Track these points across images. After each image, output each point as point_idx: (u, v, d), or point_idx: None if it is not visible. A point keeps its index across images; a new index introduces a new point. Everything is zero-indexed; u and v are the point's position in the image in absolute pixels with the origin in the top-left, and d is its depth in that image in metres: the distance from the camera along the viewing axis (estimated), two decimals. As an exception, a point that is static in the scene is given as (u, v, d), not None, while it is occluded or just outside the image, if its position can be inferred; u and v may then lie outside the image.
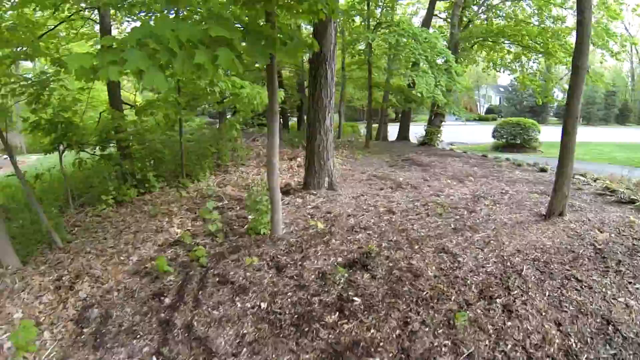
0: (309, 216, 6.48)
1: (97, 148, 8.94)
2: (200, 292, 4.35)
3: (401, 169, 10.26)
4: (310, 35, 9.14)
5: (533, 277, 4.05)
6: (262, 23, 4.69)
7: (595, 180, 8.69)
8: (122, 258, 5.37)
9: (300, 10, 4.90)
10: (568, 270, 4.13)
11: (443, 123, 16.89)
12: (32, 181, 7.72)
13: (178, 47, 3.17)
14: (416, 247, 4.95)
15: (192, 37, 3.29)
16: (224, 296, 4.24)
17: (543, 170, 10.29)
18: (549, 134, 21.56)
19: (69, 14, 11.32)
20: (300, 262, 4.79)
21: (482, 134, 23.84)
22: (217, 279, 4.59)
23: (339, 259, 4.81)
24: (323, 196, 7.41)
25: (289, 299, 4.06)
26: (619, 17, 17.72)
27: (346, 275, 4.39)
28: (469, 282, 4.05)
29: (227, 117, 15.56)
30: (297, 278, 4.45)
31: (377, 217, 6.18)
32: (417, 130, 19.47)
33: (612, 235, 5.00)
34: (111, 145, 9.63)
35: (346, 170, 10.26)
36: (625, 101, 43.34)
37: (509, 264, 4.34)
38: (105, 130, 8.94)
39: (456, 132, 22.69)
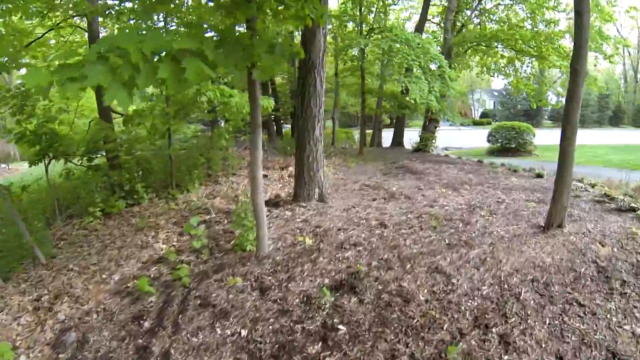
0: (298, 231, 6.16)
1: (84, 159, 8.60)
2: (180, 316, 4.07)
3: (395, 178, 9.94)
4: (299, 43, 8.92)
5: (532, 301, 3.73)
6: (242, 30, 4.40)
7: (592, 186, 8.40)
8: (104, 276, 5.15)
9: (287, 16, 4.66)
10: (569, 293, 3.81)
11: (437, 128, 16.57)
12: (19, 192, 7.43)
13: (142, 60, 2.86)
14: (408, 266, 4.62)
15: (157, 50, 2.98)
16: (204, 321, 3.96)
17: (539, 175, 9.98)
18: (544, 137, 21.37)
19: (56, 22, 11.06)
20: (285, 284, 4.49)
21: (476, 138, 23.63)
22: (199, 302, 4.32)
23: (326, 280, 4.49)
24: (313, 209, 7.09)
25: (270, 326, 3.76)
26: (612, 20, 17.56)
27: (332, 299, 4.07)
28: (463, 307, 3.73)
29: (220, 125, 15.30)
30: (281, 302, 4.15)
31: (368, 231, 5.86)
32: (411, 136, 19.19)
33: (615, 249, 4.68)
34: (99, 155, 9.32)
35: (339, 180, 9.94)
36: (618, 103, 43.24)
37: (506, 285, 4.01)
38: (92, 140, 8.64)
39: (451, 137, 22.43)
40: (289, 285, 4.46)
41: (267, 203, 7.67)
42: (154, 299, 4.39)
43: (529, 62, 18.75)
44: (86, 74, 2.76)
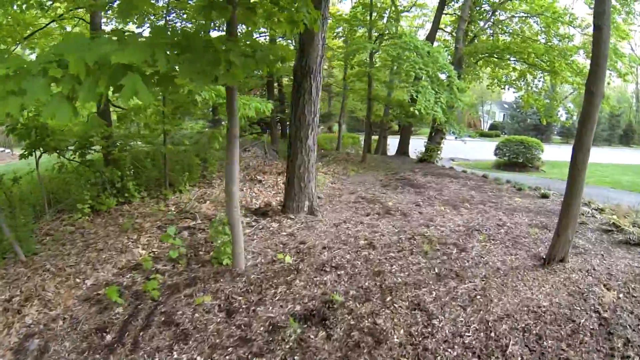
0: (281, 246, 5.71)
1: (77, 154, 8.24)
2: (142, 333, 3.71)
3: (394, 191, 9.42)
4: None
5: (520, 358, 3.18)
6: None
7: (600, 211, 7.86)
8: (78, 280, 4.81)
9: (282, 19, 4.26)
10: (564, 350, 3.25)
11: (444, 140, 15.99)
12: (9, 184, 7.11)
13: (85, 72, 2.43)
14: (388, 298, 4.12)
15: (100, 60, 2.53)
16: (164, 341, 3.58)
17: (545, 196, 9.42)
18: (553, 153, 20.74)
19: (59, 14, 10.74)
20: (254, 307, 4.06)
21: (484, 151, 23.00)
22: (163, 318, 3.93)
23: (297, 307, 4.02)
24: (301, 222, 6.61)
25: (227, 356, 3.34)
26: (627, 38, 16.89)
27: (299, 331, 3.59)
28: (439, 358, 3.20)
29: (223, 124, 14.86)
30: (245, 328, 3.72)
31: (355, 251, 5.37)
32: (418, 144, 18.65)
33: (621, 295, 4.13)
34: (92, 151, 8.95)
35: (335, 190, 9.45)
36: (629, 122, 42.17)
37: (493, 334, 3.47)
38: (85, 136, 8.27)
39: (458, 148, 21.69)
40: (258, 309, 4.01)
41: (255, 212, 7.24)
42: (121, 311, 4.07)
43: (540, 77, 18.12)
44: (25, 88, 2.40)
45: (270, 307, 4.04)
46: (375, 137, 21.64)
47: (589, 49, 16.24)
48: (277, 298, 4.22)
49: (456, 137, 13.37)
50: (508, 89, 19.80)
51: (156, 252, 5.74)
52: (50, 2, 10.00)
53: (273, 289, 4.42)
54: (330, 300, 4.06)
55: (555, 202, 8.84)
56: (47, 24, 10.94)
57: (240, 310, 4.01)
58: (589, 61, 16.73)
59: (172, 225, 5.78)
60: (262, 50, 3.95)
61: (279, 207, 7.38)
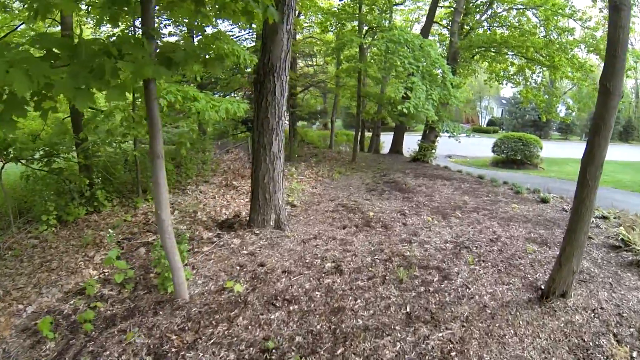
0: (237, 268, 4.84)
1: (44, 162, 7.70)
2: None
3: (379, 196, 8.45)
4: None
5: None
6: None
7: (604, 219, 6.94)
8: (20, 307, 4.26)
9: (236, 10, 3.54)
10: None
11: (438, 138, 14.96)
12: None
13: None
14: (340, 350, 3.20)
15: None
16: None
17: (544, 200, 8.49)
18: (551, 149, 19.78)
19: (27, 15, 9.86)
20: (184, 352, 3.30)
21: (482, 147, 21.97)
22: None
23: (231, 356, 3.14)
24: (266, 238, 5.69)
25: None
26: (631, 31, 15.79)
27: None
28: None
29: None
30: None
31: (317, 278, 4.44)
32: (414, 141, 17.67)
33: (635, 354, 3.16)
34: (61, 159, 8.23)
35: (315, 196, 8.49)
36: (629, 118, 40.91)
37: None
38: (51, 143, 7.57)
39: (455, 144, 20.42)
40: (187, 355, 3.25)
41: (221, 225, 6.37)
42: (53, 346, 3.52)
43: (539, 72, 17.06)
44: None
45: (202, 354, 3.25)
46: (369, 135, 20.67)
47: (591, 42, 15.27)
48: (212, 341, 3.42)
49: (450, 136, 12.34)
50: (506, 83, 18.78)
51: (107, 273, 5.05)
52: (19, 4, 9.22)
53: (212, 327, 3.62)
54: (268, 349, 3.18)
55: (555, 207, 7.90)
56: (18, 26, 10.15)
57: (169, 355, 3.26)
58: (591, 56, 15.64)
59: (113, 249, 4.91)
60: (185, 52, 3.06)
61: (247, 218, 6.45)
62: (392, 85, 15.96)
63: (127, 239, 6.28)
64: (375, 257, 5.00)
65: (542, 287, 4.18)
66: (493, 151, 19.92)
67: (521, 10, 16.13)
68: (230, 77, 14.24)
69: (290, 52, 5.57)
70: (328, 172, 11.22)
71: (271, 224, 5.84)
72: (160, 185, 3.63)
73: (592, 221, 6.81)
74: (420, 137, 15.42)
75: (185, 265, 5.01)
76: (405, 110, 9.17)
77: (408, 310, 3.74)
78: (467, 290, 4.14)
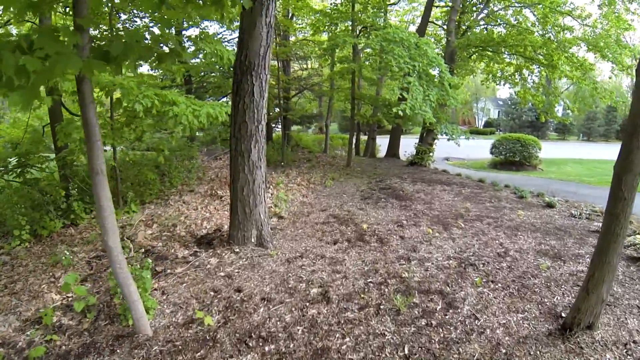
0: (211, 294, 4.17)
1: (18, 173, 7.27)
2: None
3: (374, 205, 7.75)
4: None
5: None
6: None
7: None
8: None
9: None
10: None
11: (436, 140, 14.27)
12: None
13: None
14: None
15: None
16: None
17: (550, 205, 7.85)
18: (549, 150, 19.20)
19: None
20: None
21: (479, 149, 21.31)
22: None
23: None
24: (247, 257, 5.00)
25: None
26: (630, 28, 15.24)
27: None
28: None
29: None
30: None
31: (300, 309, 3.76)
32: (410, 144, 16.99)
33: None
34: (36, 168, 7.66)
35: (305, 206, 7.79)
36: (626, 117, 40.26)
37: None
38: (25, 153, 7.03)
39: (452, 146, 19.68)
40: None
41: (200, 241, 5.69)
42: None
43: (537, 72, 16.42)
44: None
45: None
46: (364, 138, 20.00)
47: (591, 40, 14.64)
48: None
49: (449, 139, 11.65)
50: (504, 84, 18.12)
51: (71, 298, 4.36)
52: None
53: (174, 371, 2.90)
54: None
55: (563, 213, 7.27)
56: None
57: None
58: (588, 55, 14.94)
59: (70, 274, 4.24)
60: (126, 41, 2.40)
61: (228, 233, 5.77)
62: (387, 87, 15.32)
63: (99, 257, 5.61)
64: (369, 280, 4.31)
65: (563, 314, 3.51)
66: (491, 153, 19.29)
67: (518, 9, 15.52)
68: (222, 81, 13.59)
69: (271, 48, 4.89)
70: (321, 178, 10.52)
71: (252, 240, 5.15)
72: (103, 208, 2.95)
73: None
74: (417, 140, 14.74)
75: (155, 289, 4.38)
76: (401, 112, 8.50)
77: (406, 351, 3.05)
78: (476, 322, 3.44)
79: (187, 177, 9.46)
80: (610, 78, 17.29)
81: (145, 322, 3.53)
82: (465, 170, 15.14)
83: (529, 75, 16.83)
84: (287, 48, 13.01)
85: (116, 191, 7.80)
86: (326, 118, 17.36)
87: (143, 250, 5.58)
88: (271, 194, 8.03)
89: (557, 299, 3.87)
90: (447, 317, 3.53)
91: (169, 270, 4.82)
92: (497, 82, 18.01)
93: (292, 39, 16.54)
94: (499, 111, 49.60)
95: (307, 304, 3.83)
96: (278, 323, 3.52)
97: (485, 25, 16.01)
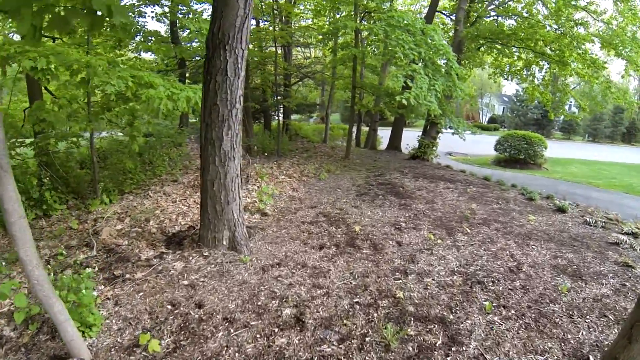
0: (168, 308, 3.45)
1: None
2: None
3: (370, 203, 6.95)
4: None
5: None
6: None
7: (634, 236, 5.75)
8: None
9: None
10: None
11: (440, 134, 13.41)
12: None
13: None
14: None
15: None
16: None
17: (562, 210, 7.12)
18: (554, 149, 18.38)
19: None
20: None
21: (483, 145, 20.43)
22: None
23: None
24: (216, 262, 4.21)
25: None
26: (637, 19, 14.31)
27: None
28: None
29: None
30: None
31: (267, 336, 2.98)
32: (412, 137, 16.13)
33: None
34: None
35: (293, 201, 6.98)
36: (632, 119, 39.19)
37: None
38: None
39: (455, 141, 18.74)
40: None
41: (170, 240, 4.94)
42: None
43: (547, 68, 15.49)
44: None
45: None
46: (366, 129, 19.13)
47: (606, 37, 13.64)
48: None
49: (453, 133, 10.79)
50: (512, 79, 17.19)
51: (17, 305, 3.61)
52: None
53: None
54: None
55: (576, 219, 6.55)
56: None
57: None
58: (602, 54, 13.91)
59: (4, 283, 3.49)
60: None
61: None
62: (390, 77, 14.42)
63: (58, 255, 4.84)
64: (356, 300, 3.52)
65: (591, 357, 2.72)
66: (496, 149, 18.41)
67: (531, 1, 14.54)
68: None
69: (250, 18, 4.04)
70: (316, 170, 9.68)
71: (224, 243, 4.36)
72: (8, 212, 2.19)
73: (625, 240, 5.43)
74: (419, 133, 13.87)
75: (108, 298, 3.63)
76: (404, 101, 7.64)
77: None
78: (488, 368, 2.66)
79: (171, 166, 8.67)
80: (622, 77, 16.29)
81: (79, 344, 2.79)
82: (469, 167, 14.33)
83: (539, 71, 15.96)
84: (286, 32, 12.08)
85: (94, 179, 7.05)
86: (327, 107, 16.49)
87: (106, 249, 4.81)
88: (257, 187, 7.22)
89: (582, 334, 3.09)
90: (449, 358, 2.74)
91: (127, 275, 4.06)
92: (505, 77, 17.11)
93: (296, 27, 15.64)
94: (503, 107, 48.46)
95: (277, 329, 3.05)
96: (236, 355, 2.75)
97: (496, 16, 15.07)
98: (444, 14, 16.68)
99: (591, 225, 6.29)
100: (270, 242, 4.87)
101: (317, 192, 7.63)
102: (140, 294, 3.70)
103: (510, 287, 3.89)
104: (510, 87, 46.26)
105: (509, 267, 4.40)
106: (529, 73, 16.23)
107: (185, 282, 3.85)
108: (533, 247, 5.12)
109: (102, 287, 3.87)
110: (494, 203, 7.41)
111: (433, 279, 4.02)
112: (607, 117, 37.50)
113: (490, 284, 3.95)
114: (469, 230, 5.64)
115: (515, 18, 14.95)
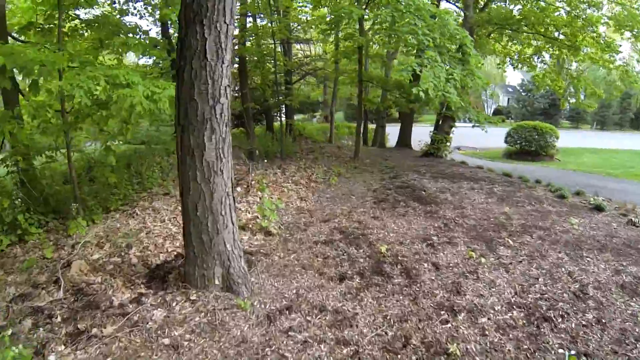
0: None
1: None
2: None
3: (392, 211, 5.89)
4: None
5: None
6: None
7: None
8: None
9: None
10: None
11: (453, 128, 12.34)
12: None
13: None
14: None
15: None
16: None
17: (599, 208, 6.20)
18: (564, 138, 17.38)
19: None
20: None
21: (491, 137, 19.31)
22: None
23: None
24: (207, 310, 3.18)
25: None
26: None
27: None
28: None
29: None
30: None
31: None
32: (421, 133, 15.04)
33: None
34: None
35: (302, 213, 5.92)
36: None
37: None
38: None
39: (463, 135, 17.51)
40: None
41: (152, 273, 3.94)
42: None
43: (557, 54, 14.42)
44: None
45: None
46: (372, 126, 18.08)
47: (621, 18, 12.47)
48: None
49: (474, 126, 9.76)
50: (521, 67, 16.10)
51: None
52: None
53: None
54: None
55: (617, 219, 5.81)
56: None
57: None
58: (616, 35, 12.76)
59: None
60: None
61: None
62: (396, 70, 13.36)
63: (22, 296, 3.82)
64: (397, 363, 2.49)
65: None
66: (506, 142, 17.35)
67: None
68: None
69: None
70: (324, 173, 8.61)
71: (216, 282, 3.30)
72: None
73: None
74: (427, 129, 12.81)
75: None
76: (422, 93, 6.58)
77: None
78: None
79: (163, 177, 7.65)
80: (638, 62, 15.19)
81: None
82: (482, 161, 13.30)
83: (549, 58, 14.92)
84: (283, 24, 10.98)
85: (74, 196, 6.01)
86: (331, 105, 15.45)
87: (75, 288, 3.79)
88: (259, 199, 6.16)
89: None
90: None
91: (94, 330, 3.03)
92: (515, 66, 16.05)
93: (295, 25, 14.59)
94: (508, 98, 47.06)
95: None
96: None
97: (505, 1, 13.97)
98: (449, 1, 15.58)
99: (637, 226, 5.40)
100: (277, 274, 3.82)
101: (329, 201, 6.58)
102: (109, 359, 2.70)
103: (583, 323, 2.94)
104: (514, 78, 44.80)
105: (572, 291, 3.43)
106: (539, 60, 15.20)
107: (166, 341, 2.83)
108: (588, 259, 4.17)
109: (62, 347, 2.87)
110: (526, 204, 6.41)
111: (489, 319, 3.01)
112: (615, 104, 36.18)
113: (559, 319, 2.99)
114: (510, 242, 4.63)
115: (525, 2, 13.87)
